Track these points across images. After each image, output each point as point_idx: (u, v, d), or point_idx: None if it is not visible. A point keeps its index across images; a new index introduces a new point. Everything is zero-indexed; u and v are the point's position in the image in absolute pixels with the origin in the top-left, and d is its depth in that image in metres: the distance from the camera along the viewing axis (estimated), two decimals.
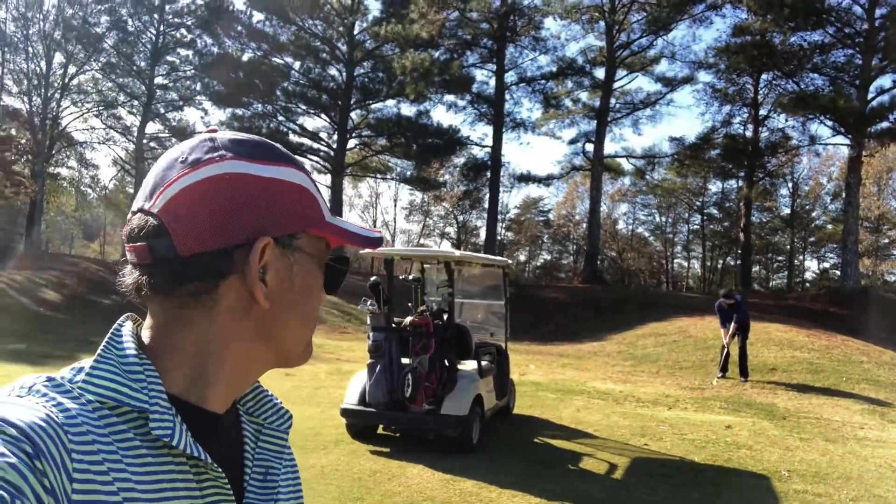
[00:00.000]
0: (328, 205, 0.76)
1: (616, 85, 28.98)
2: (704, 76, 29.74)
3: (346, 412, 6.80)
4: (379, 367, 6.76)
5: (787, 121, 28.12)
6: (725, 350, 12.17)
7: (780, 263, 43.80)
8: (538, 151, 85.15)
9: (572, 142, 31.78)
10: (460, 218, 44.10)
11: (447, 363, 6.83)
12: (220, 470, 0.65)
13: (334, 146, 30.94)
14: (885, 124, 23.01)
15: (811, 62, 25.50)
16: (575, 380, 11.99)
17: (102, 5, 28.69)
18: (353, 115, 31.37)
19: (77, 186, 33.84)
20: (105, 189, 35.19)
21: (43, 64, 28.46)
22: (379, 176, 37.27)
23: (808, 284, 40.60)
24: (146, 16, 29.87)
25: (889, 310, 21.92)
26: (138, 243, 0.65)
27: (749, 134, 29.63)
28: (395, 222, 48.04)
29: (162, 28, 30.10)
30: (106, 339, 0.66)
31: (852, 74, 24.29)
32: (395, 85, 28.49)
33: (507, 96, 30.40)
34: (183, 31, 30.50)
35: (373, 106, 31.76)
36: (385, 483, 5.54)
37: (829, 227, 38.80)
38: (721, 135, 29.23)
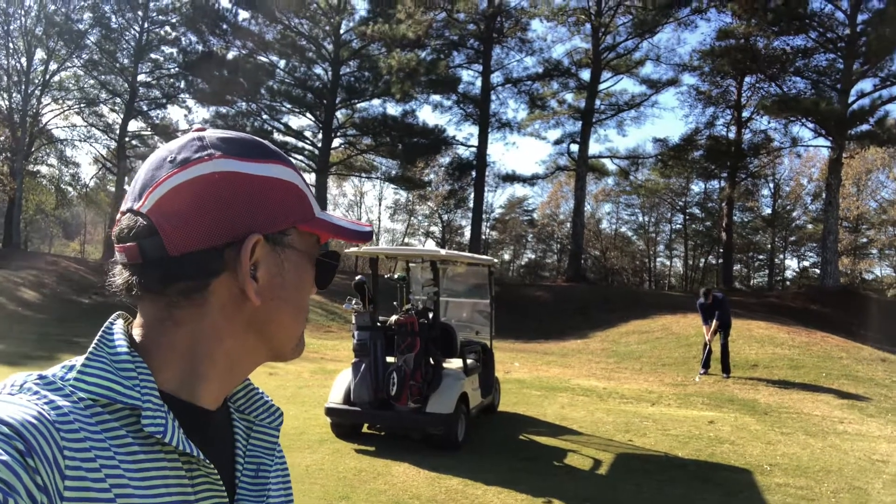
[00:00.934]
0: (317, 200, 0.76)
1: (601, 86, 29.20)
2: (689, 79, 29.93)
3: (330, 411, 6.78)
4: (364, 365, 6.75)
5: (769, 123, 28.53)
6: (708, 347, 12.30)
7: (761, 262, 44.25)
8: (523, 151, 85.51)
9: (557, 142, 31.99)
10: (445, 217, 44.06)
11: (432, 362, 6.83)
12: (212, 466, 0.66)
13: (319, 145, 30.83)
14: (864, 127, 23.37)
15: (794, 66, 25.85)
16: (559, 377, 12.05)
17: (85, 2, 28.37)
18: (338, 114, 31.27)
19: (57, 184, 33.33)
20: (86, 187, 34.69)
21: (24, 60, 28.08)
22: (364, 175, 37.18)
23: (788, 283, 41.05)
24: (130, 13, 29.53)
25: (867, 307, 22.27)
26: (128, 243, 0.65)
27: (732, 135, 30.00)
28: (379, 221, 47.85)
29: (146, 25, 29.79)
30: (97, 337, 0.66)
31: (834, 78, 24.63)
32: (380, 84, 28.44)
33: (493, 97, 30.48)
34: (167, 28, 30.22)
35: (358, 105, 31.70)
36: (370, 482, 5.54)
37: (810, 226, 39.28)
38: (704, 136, 29.55)
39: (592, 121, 28.92)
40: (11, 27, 27.60)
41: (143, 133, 31.99)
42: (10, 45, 27.67)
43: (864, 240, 39.72)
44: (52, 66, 28.98)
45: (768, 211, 39.75)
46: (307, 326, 0.80)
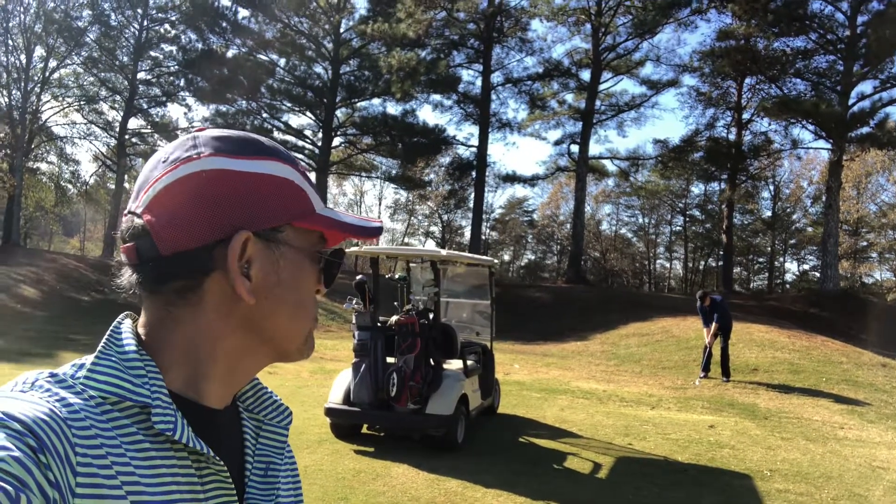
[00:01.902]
0: (320, 197, 0.74)
1: (601, 87, 29.19)
2: (689, 80, 29.93)
3: (330, 411, 6.75)
4: (364, 366, 6.73)
5: (769, 125, 28.54)
6: (708, 350, 12.27)
7: (761, 265, 44.23)
8: (524, 152, 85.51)
9: (557, 143, 31.99)
10: (445, 217, 44.03)
11: (433, 362, 6.80)
12: (221, 463, 0.66)
13: (319, 144, 30.80)
14: (865, 129, 23.40)
15: (794, 67, 25.87)
16: (559, 379, 12.03)
17: None
18: (338, 113, 31.26)
19: (57, 182, 33.22)
20: (86, 185, 34.57)
21: (23, 57, 27.99)
22: (364, 174, 37.19)
23: (787, 286, 41.05)
24: (129, 10, 29.50)
25: (867, 311, 22.27)
26: (127, 244, 0.67)
27: (732, 137, 29.95)
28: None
29: (145, 23, 29.76)
30: (106, 336, 0.67)
31: (834, 80, 24.65)
32: (381, 83, 28.43)
33: (494, 97, 30.48)
34: (167, 26, 30.20)
35: (358, 104, 31.70)
36: (369, 483, 5.51)
37: (810, 229, 39.25)
38: (704, 138, 29.54)
39: (593, 121, 28.92)
40: (11, 24, 27.51)
41: (142, 131, 31.96)
42: (10, 41, 27.60)
43: (864, 243, 39.72)
44: (52, 64, 28.93)
45: (768, 213, 39.76)
46: None
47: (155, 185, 0.66)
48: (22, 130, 27.57)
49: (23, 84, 27.86)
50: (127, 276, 0.68)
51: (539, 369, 13.27)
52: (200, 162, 0.66)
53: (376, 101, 31.10)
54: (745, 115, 29.72)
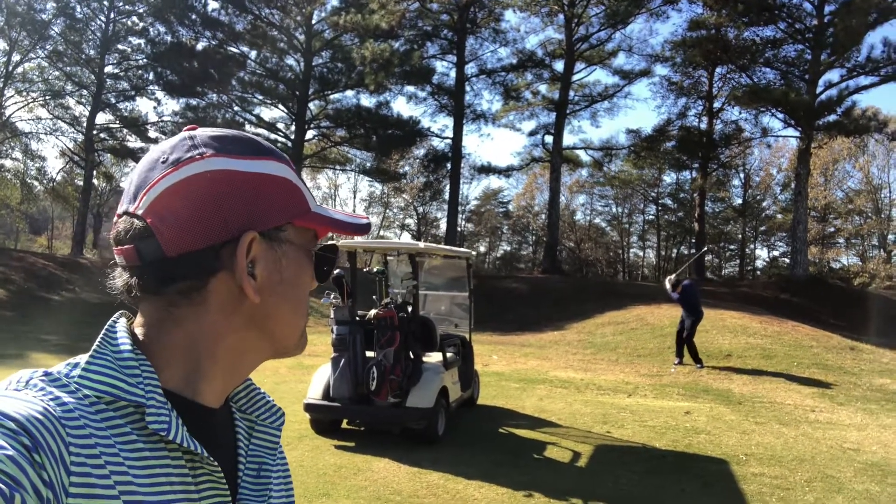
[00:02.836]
0: (312, 194, 0.75)
1: (575, 77, 29.29)
2: (661, 69, 30.22)
3: (309, 407, 6.71)
4: (343, 360, 6.70)
5: (740, 113, 28.93)
6: (680, 336, 12.47)
7: (733, 252, 44.93)
8: (498, 143, 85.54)
9: (532, 133, 32.14)
10: (420, 209, 43.94)
11: (412, 356, 6.80)
12: (215, 463, 0.66)
13: (292, 137, 30.44)
14: (832, 117, 23.82)
15: (763, 57, 26.23)
16: (537, 369, 12.11)
17: None
18: (311, 105, 30.92)
19: (22, 179, 32.37)
20: (52, 182, 33.80)
21: None
22: (338, 167, 36.89)
23: (758, 272, 41.78)
24: (95, 2, 28.73)
25: (836, 296, 22.77)
26: (126, 246, 0.66)
27: (703, 126, 30.29)
28: None
29: (112, 15, 29.01)
30: (101, 336, 0.67)
31: (802, 69, 25.05)
32: (354, 75, 28.16)
33: (468, 88, 30.41)
34: (134, 18, 29.44)
35: (332, 96, 31.36)
36: (351, 478, 5.50)
37: (779, 216, 39.98)
38: (676, 127, 29.84)
39: (566, 112, 29.04)
40: None
41: (111, 126, 31.23)
42: None
43: (832, 229, 40.56)
44: (15, 58, 28.11)
45: (739, 201, 40.37)
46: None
47: (155, 186, 0.65)
48: None
49: None
50: (122, 278, 0.68)
51: (517, 360, 13.35)
52: (204, 162, 0.66)
53: (350, 93, 30.84)
54: (717, 104, 30.08)
